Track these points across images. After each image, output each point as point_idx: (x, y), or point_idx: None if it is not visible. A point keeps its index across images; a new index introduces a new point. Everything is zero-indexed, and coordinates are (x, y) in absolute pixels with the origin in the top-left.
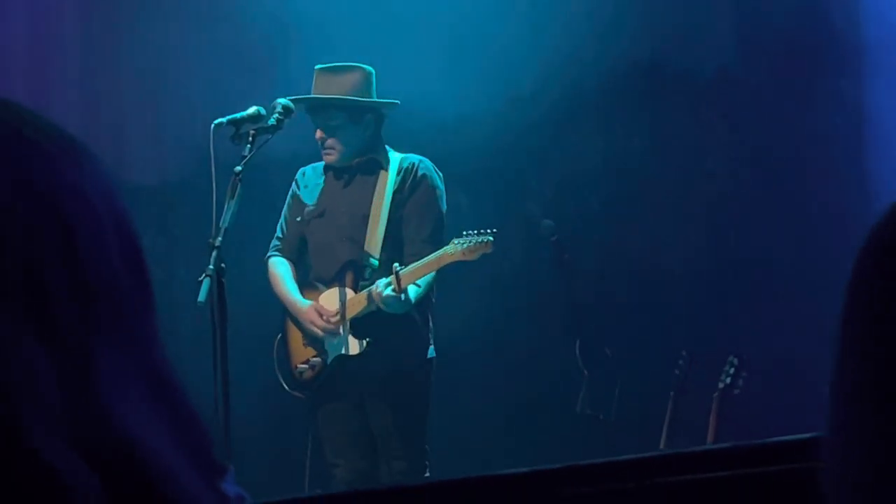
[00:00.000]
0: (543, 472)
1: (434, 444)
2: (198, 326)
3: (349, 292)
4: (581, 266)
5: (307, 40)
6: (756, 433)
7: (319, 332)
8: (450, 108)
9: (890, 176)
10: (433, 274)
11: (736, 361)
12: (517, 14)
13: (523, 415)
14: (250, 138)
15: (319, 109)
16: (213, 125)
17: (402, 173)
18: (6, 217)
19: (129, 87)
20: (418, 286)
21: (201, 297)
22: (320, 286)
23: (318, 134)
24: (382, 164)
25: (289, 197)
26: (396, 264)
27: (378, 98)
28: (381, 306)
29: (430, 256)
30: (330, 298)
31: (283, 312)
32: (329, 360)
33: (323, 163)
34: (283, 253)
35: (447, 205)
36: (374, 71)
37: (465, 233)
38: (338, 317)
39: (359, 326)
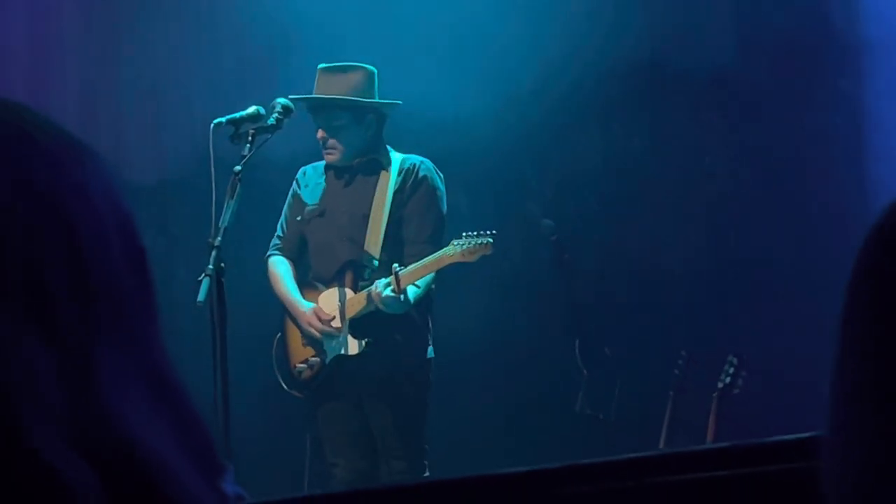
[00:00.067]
0: (543, 472)
1: (434, 443)
2: (197, 326)
3: (349, 292)
4: (581, 266)
5: (307, 40)
6: (755, 433)
7: (318, 335)
8: (450, 108)
9: (890, 176)
10: (432, 275)
11: (735, 361)
12: (517, 14)
13: (523, 415)
14: (250, 138)
15: (321, 109)
16: (212, 125)
17: (403, 174)
18: (7, 217)
19: (128, 87)
20: (417, 287)
21: (201, 296)
22: (320, 286)
23: (320, 133)
24: (383, 165)
25: (289, 196)
26: (396, 265)
27: (379, 98)
28: (381, 307)
29: (429, 257)
30: (329, 298)
31: (283, 312)
32: (328, 360)
33: (324, 162)
34: (283, 252)
35: (447, 205)
36: (376, 71)
37: (464, 234)
38: (336, 321)
39: (358, 326)
